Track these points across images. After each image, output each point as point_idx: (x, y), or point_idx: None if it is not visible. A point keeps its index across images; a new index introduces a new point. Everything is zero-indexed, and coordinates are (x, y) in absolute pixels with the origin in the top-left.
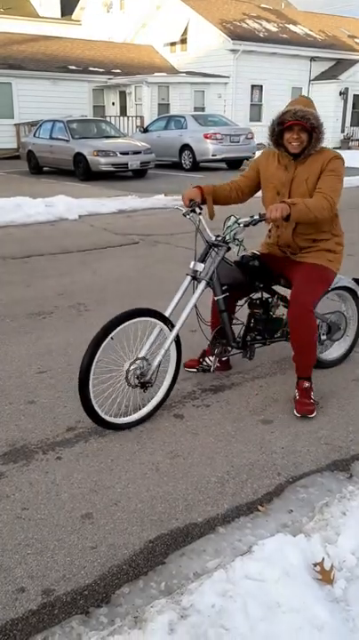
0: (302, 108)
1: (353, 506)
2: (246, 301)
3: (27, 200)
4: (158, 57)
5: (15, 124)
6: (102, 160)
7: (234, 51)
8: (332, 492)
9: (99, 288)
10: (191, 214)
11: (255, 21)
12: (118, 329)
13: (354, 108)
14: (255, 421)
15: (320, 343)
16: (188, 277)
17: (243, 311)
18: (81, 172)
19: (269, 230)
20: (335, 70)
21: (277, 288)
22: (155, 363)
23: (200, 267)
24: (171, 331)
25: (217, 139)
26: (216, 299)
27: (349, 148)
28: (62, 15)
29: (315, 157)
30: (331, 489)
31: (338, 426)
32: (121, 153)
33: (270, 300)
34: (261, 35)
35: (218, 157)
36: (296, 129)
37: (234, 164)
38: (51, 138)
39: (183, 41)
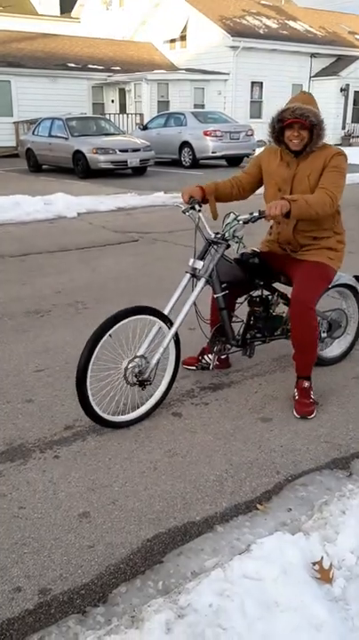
0: (301, 106)
1: (352, 504)
2: (246, 299)
3: (26, 198)
4: (158, 54)
5: (14, 122)
6: (101, 158)
7: (233, 47)
8: (332, 491)
9: (98, 286)
10: (190, 211)
11: (255, 18)
12: (116, 326)
13: (354, 104)
14: (254, 419)
15: (320, 341)
16: (187, 275)
17: (242, 309)
18: (80, 169)
19: (271, 227)
20: (336, 67)
21: (277, 285)
22: (154, 361)
23: (199, 264)
24: (169, 329)
25: (217, 136)
26: (215, 296)
27: (350, 145)
28: (61, 13)
29: (317, 154)
30: (330, 487)
31: (337, 424)
32: (120, 150)
33: (270, 297)
34: (261, 31)
35: (217, 154)
36: (296, 126)
37: (234, 161)
38: (50, 135)
39: (183, 38)
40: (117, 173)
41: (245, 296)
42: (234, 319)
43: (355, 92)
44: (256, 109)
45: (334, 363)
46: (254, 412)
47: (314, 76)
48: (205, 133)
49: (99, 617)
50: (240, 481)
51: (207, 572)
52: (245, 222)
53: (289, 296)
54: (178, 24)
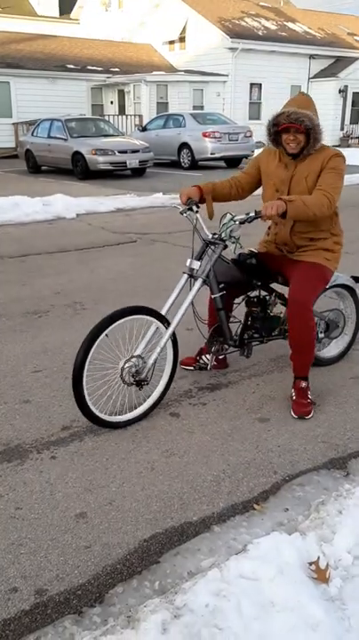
0: (296, 110)
1: (349, 504)
2: (244, 299)
3: (25, 199)
4: (157, 55)
5: (13, 124)
6: (100, 159)
7: (232, 49)
8: (329, 491)
9: (97, 287)
10: (188, 212)
11: (254, 19)
12: (113, 326)
13: (353, 105)
14: (252, 420)
15: (318, 341)
16: (185, 275)
17: (240, 309)
18: (79, 170)
19: (269, 228)
20: (334, 68)
21: (275, 286)
22: (151, 361)
23: (196, 264)
24: (167, 329)
25: (215, 137)
26: (213, 297)
27: (349, 146)
28: (60, 14)
29: (315, 155)
30: (327, 487)
31: (335, 424)
32: (119, 152)
33: (268, 298)
34: (260, 33)
35: (216, 156)
36: (292, 130)
37: (232, 162)
38: (50, 137)
39: (182, 39)
40: (116, 174)
41: (243, 296)
42: (231, 319)
43: (354, 93)
44: (255, 111)
45: (332, 363)
46: (252, 412)
47: (312, 78)
48: (204, 135)
49: (96, 617)
50: (237, 481)
51: (203, 572)
52: (241, 222)
53: (286, 296)
54: (177, 25)
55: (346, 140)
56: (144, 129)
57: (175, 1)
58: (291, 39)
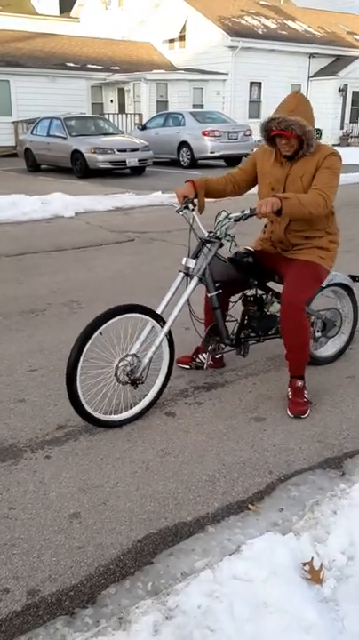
0: (285, 118)
1: (344, 504)
2: (240, 298)
3: (23, 197)
4: (157, 54)
5: (13, 122)
6: (100, 157)
7: (232, 47)
8: (324, 491)
9: (94, 286)
10: (184, 211)
11: (254, 18)
12: (107, 324)
13: (353, 104)
14: (248, 419)
15: (315, 340)
16: (181, 274)
17: (236, 308)
18: (78, 169)
19: (265, 226)
20: (334, 67)
21: (272, 285)
22: (146, 359)
23: (192, 263)
24: (162, 327)
25: (215, 136)
26: (209, 295)
27: (348, 145)
28: (60, 12)
29: (311, 154)
30: (322, 487)
31: (331, 423)
32: (118, 150)
33: (264, 296)
34: (260, 31)
35: (216, 154)
36: (283, 136)
37: (232, 161)
38: (49, 135)
39: (181, 38)
40: (116, 173)
41: (239, 295)
42: (228, 318)
43: (354, 92)
44: (255, 109)
45: (329, 362)
46: (248, 411)
47: (312, 76)
48: (204, 133)
49: (88, 618)
50: (232, 481)
51: (196, 573)
52: (237, 220)
53: None
54: (177, 24)
55: (345, 139)
56: (144, 127)
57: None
58: (290, 38)
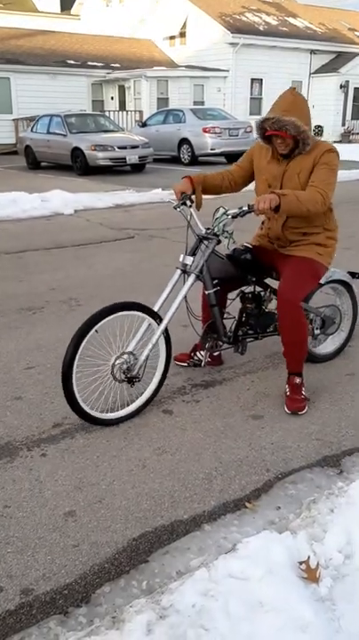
0: (280, 118)
1: (341, 502)
2: (238, 295)
3: (23, 195)
4: (157, 51)
5: (14, 120)
6: (100, 154)
7: (233, 44)
8: (322, 489)
9: (93, 283)
10: (182, 207)
11: (255, 14)
12: (103, 322)
13: (354, 101)
14: (245, 417)
15: (314, 337)
16: (178, 271)
17: (234, 305)
18: (79, 166)
19: (262, 222)
20: (335, 63)
21: (270, 282)
22: (142, 357)
23: (189, 260)
24: (159, 325)
25: (216, 132)
26: (207, 292)
27: (350, 142)
28: (61, 10)
29: (308, 151)
30: (320, 485)
31: (329, 421)
32: (119, 147)
33: (262, 293)
34: (261, 28)
35: (217, 151)
36: (278, 136)
37: (233, 157)
38: (49, 132)
39: (182, 35)
40: (116, 170)
41: (237, 292)
42: (226, 316)
43: (355, 88)
44: (256, 106)
45: (328, 359)
46: (245, 409)
47: (313, 73)
48: (204, 130)
49: (81, 618)
50: (229, 479)
51: (191, 572)
52: (234, 217)
53: None
54: (177, 21)
55: (347, 136)
56: (144, 124)
57: None
58: (292, 34)
